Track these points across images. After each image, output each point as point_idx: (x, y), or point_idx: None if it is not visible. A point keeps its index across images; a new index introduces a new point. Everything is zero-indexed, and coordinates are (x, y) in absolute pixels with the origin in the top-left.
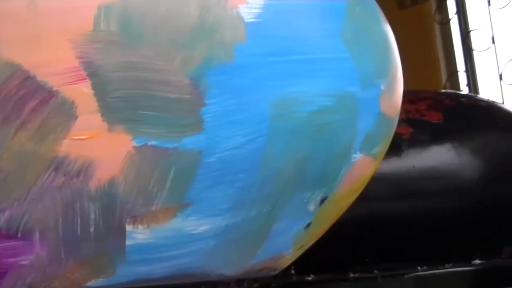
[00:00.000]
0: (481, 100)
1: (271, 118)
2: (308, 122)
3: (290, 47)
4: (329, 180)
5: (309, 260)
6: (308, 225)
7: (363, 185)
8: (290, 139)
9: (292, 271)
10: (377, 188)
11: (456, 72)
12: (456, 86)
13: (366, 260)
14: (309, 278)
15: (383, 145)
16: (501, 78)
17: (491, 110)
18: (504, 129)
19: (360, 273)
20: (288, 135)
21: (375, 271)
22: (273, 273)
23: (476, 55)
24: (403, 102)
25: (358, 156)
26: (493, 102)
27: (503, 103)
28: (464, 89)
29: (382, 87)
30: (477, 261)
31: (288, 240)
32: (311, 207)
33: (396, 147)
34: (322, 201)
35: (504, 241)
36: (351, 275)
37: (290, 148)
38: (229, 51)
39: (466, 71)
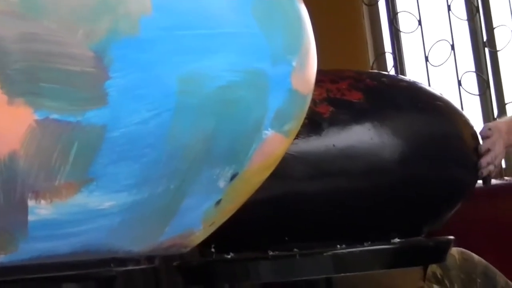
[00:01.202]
0: (402, 80)
1: (177, 93)
2: (216, 97)
3: (198, 21)
4: (239, 157)
5: (229, 238)
6: (219, 201)
7: (275, 163)
8: (197, 114)
9: (212, 250)
10: (298, 167)
11: (383, 53)
12: (383, 67)
13: (286, 238)
14: (229, 256)
15: (295, 122)
16: (427, 60)
17: (412, 90)
18: (423, 110)
19: (279, 252)
20: (195, 110)
21: (295, 250)
22: (184, 250)
23: (403, 37)
24: (325, 81)
25: (269, 133)
26: (414, 82)
27: (429, 85)
28: (391, 70)
29: (294, 64)
30: (396, 240)
31: (198, 217)
32: (221, 184)
33: (316, 126)
34: (232, 177)
35: (423, 220)
36: (270, 253)
37: (197, 123)
38: (134, 24)
39: (393, 52)
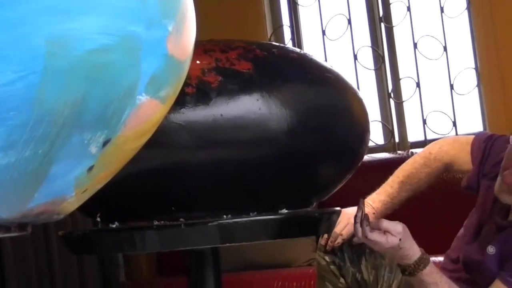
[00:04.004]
0: (292, 52)
1: (46, 55)
2: (86, 61)
3: None
4: (112, 122)
5: (115, 208)
6: (91, 168)
7: (151, 129)
8: (66, 78)
9: (98, 219)
10: (185, 136)
11: (281, 26)
12: (281, 40)
13: (173, 208)
14: (114, 226)
15: (172, 89)
16: (324, 34)
17: (302, 62)
18: (313, 81)
19: (165, 221)
20: (65, 73)
21: (181, 220)
22: (57, 217)
23: (301, 11)
24: (214, 51)
25: (143, 99)
26: (305, 54)
27: (325, 58)
28: (289, 43)
29: (170, 29)
30: (284, 211)
31: (69, 183)
32: (93, 149)
33: (204, 96)
34: (105, 143)
35: (311, 192)
36: (156, 223)
37: (66, 87)
38: None
39: (291, 26)
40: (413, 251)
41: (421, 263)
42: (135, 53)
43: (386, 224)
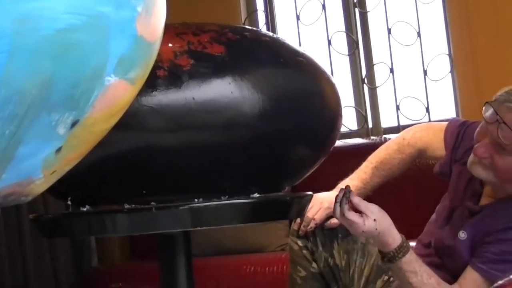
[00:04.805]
0: (265, 35)
1: (12, 35)
2: (54, 41)
3: None
4: (80, 103)
5: (86, 191)
6: (59, 149)
7: (120, 111)
8: (34, 57)
9: (69, 202)
10: (156, 119)
11: (255, 11)
12: (255, 25)
13: (144, 192)
14: (85, 209)
15: (141, 70)
16: (298, 19)
17: (274, 45)
18: (285, 65)
19: (135, 205)
20: (32, 53)
21: (152, 203)
22: (25, 199)
23: None
24: (187, 34)
25: (112, 80)
26: (277, 38)
27: (299, 43)
28: (263, 28)
29: (139, 9)
30: (256, 195)
31: (37, 165)
32: (61, 130)
33: (176, 79)
34: (73, 124)
35: (283, 176)
36: (126, 206)
37: (34, 67)
38: None
39: (265, 10)
40: (393, 238)
41: (401, 251)
42: (103, 34)
43: (362, 203)
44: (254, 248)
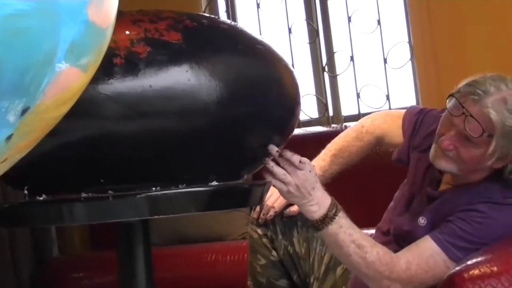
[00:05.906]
0: (223, 23)
1: None
2: (2, 26)
3: None
4: (30, 90)
5: (43, 180)
6: (10, 137)
7: (72, 98)
8: None
9: (26, 191)
10: (113, 107)
11: None
12: (215, 12)
13: (102, 181)
14: (41, 198)
15: (93, 56)
16: (258, 7)
17: (232, 33)
18: (242, 52)
19: (92, 193)
20: None
21: (109, 192)
22: None
23: None
24: (144, 21)
25: (63, 66)
26: (235, 25)
27: (260, 31)
28: (223, 16)
29: None
30: (214, 183)
31: None
32: (11, 118)
33: (133, 66)
34: (24, 111)
35: (241, 164)
36: (83, 195)
37: None
38: None
39: None
40: (319, 206)
41: (325, 221)
42: (53, 19)
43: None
44: (215, 237)
